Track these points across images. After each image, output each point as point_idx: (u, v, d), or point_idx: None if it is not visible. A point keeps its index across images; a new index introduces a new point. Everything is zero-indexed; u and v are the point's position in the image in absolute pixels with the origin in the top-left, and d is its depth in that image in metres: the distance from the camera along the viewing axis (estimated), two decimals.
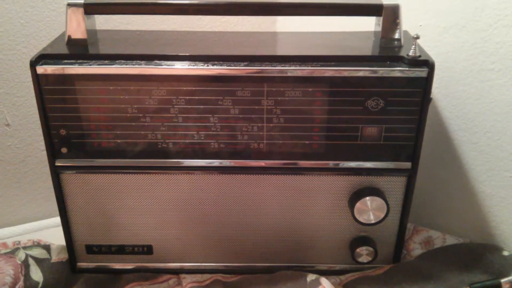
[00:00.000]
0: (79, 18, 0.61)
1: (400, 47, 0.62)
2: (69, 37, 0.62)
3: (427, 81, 0.58)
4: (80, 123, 0.60)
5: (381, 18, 0.61)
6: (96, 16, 0.65)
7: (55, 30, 0.76)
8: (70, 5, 0.61)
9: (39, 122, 0.60)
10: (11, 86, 0.77)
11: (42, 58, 0.59)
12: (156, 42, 0.66)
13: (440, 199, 0.76)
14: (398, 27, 0.62)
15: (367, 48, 0.63)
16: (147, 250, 0.69)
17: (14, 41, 0.75)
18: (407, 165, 0.63)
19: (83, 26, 0.62)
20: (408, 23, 0.68)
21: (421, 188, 0.64)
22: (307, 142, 0.61)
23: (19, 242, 0.71)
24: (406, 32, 0.66)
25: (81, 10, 0.61)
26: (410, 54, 0.58)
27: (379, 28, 0.63)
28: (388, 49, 0.61)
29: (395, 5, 0.60)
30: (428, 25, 0.70)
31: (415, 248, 0.73)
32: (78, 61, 0.58)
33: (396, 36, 0.63)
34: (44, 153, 0.63)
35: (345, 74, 0.57)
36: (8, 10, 0.73)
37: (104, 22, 0.77)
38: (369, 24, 0.66)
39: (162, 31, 0.68)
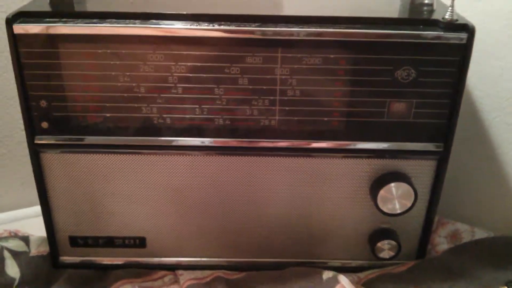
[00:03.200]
0: None
1: (432, 11, 0.55)
2: None
3: (466, 48, 0.51)
4: (63, 93, 0.53)
5: None
6: None
7: None
8: None
9: (17, 96, 0.53)
10: None
11: (21, 16, 0.51)
12: (154, 2, 0.58)
13: (468, 188, 0.70)
14: None
15: (394, 12, 0.56)
16: (140, 243, 0.63)
17: None
18: (439, 146, 0.56)
19: None
20: None
21: (447, 176, 0.58)
22: (325, 118, 0.55)
23: None
24: None
25: None
26: (446, 17, 0.51)
27: None
28: (419, 13, 0.55)
29: None
30: None
31: (441, 242, 0.67)
32: (63, 19, 0.51)
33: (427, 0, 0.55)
34: (24, 133, 0.56)
35: (373, 38, 0.51)
36: None
37: None
38: None
39: None
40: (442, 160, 0.57)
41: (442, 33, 0.51)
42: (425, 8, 0.55)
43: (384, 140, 0.56)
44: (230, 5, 0.58)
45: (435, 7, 0.55)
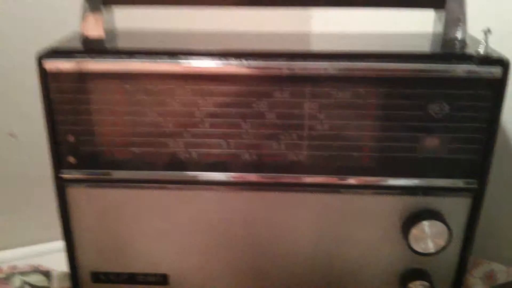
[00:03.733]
0: (96, 10, 0.55)
1: (464, 46, 0.54)
2: (83, 34, 0.55)
3: (501, 82, 0.50)
4: (91, 127, 0.53)
5: (442, 12, 0.53)
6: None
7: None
8: None
9: (44, 131, 0.53)
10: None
11: (52, 52, 0.51)
12: (182, 38, 0.59)
13: (504, 227, 0.67)
14: (462, 24, 0.54)
15: (426, 46, 0.55)
16: (162, 280, 0.61)
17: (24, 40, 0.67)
18: (473, 183, 0.54)
19: (100, 22, 0.55)
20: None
21: (482, 214, 0.56)
22: (355, 154, 0.53)
23: (16, 266, 0.66)
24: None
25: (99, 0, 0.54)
26: (479, 51, 0.50)
27: (438, 27, 0.55)
28: (452, 48, 0.54)
29: None
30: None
31: (475, 283, 0.64)
32: (93, 55, 0.51)
33: (459, 35, 0.54)
34: (50, 166, 0.56)
35: (404, 73, 0.49)
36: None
37: (122, 20, 0.70)
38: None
39: (188, 30, 0.61)
40: (477, 197, 0.54)
41: (476, 67, 0.49)
42: (457, 43, 0.54)
43: (416, 176, 0.54)
44: (258, 41, 0.58)
45: (468, 42, 0.54)
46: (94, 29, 0.55)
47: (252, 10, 0.57)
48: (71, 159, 0.54)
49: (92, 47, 0.53)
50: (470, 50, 0.52)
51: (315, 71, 0.50)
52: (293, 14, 0.77)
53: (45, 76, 0.51)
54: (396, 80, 0.50)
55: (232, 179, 0.55)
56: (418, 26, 0.58)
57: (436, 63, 0.49)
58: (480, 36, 0.55)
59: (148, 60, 0.50)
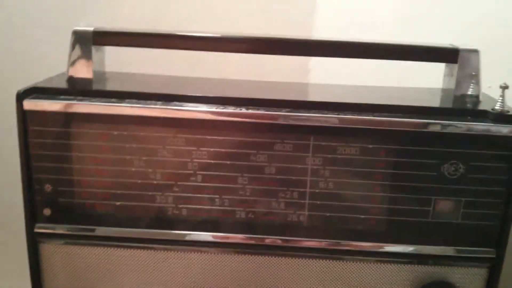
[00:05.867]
0: (86, 50, 0.51)
1: (477, 103, 0.51)
2: (69, 74, 0.52)
3: None
4: (71, 177, 0.49)
5: (455, 67, 0.50)
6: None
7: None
8: (76, 33, 0.50)
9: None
10: None
11: (33, 91, 0.48)
12: (177, 83, 0.56)
13: None
14: (476, 79, 0.51)
15: (437, 102, 0.52)
16: None
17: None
18: (490, 252, 0.50)
19: (89, 62, 0.52)
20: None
21: (500, 286, 0.50)
22: (361, 216, 0.49)
23: None
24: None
25: (89, 39, 0.50)
26: (496, 108, 0.47)
27: (450, 82, 0.52)
28: (464, 104, 0.51)
29: (474, 51, 0.50)
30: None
31: None
32: (78, 96, 0.47)
33: (472, 91, 0.51)
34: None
35: (417, 128, 0.46)
36: None
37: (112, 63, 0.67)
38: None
39: (184, 77, 0.58)
40: (494, 267, 0.50)
41: (493, 124, 0.46)
42: (470, 99, 0.51)
43: (428, 243, 0.49)
44: (258, 89, 0.55)
45: (481, 99, 0.51)
46: (82, 69, 0.52)
47: (250, 59, 0.54)
48: (47, 211, 0.50)
49: (78, 88, 0.50)
50: (483, 107, 0.49)
51: (320, 122, 0.46)
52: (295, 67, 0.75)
53: (24, 117, 0.47)
54: (407, 136, 0.46)
55: (224, 240, 0.50)
56: (423, 81, 0.56)
57: (451, 119, 0.46)
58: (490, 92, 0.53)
59: (138, 104, 0.47)
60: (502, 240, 0.49)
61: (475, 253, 0.49)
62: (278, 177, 0.48)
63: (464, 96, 0.52)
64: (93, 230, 0.50)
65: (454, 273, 0.50)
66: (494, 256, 0.49)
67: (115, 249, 0.51)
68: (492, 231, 0.49)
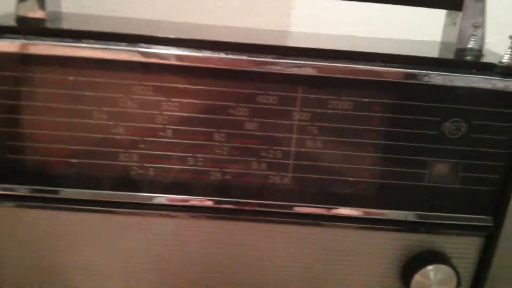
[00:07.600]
0: None
1: (480, 57, 0.47)
2: (18, 14, 0.46)
3: None
4: (20, 129, 0.44)
5: (459, 15, 0.46)
6: None
7: None
8: None
9: None
10: None
11: None
12: (144, 25, 0.50)
13: None
14: (480, 30, 0.47)
15: (440, 54, 0.48)
16: None
17: None
18: (487, 220, 0.47)
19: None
20: None
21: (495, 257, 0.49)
22: (351, 179, 0.45)
23: None
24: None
25: None
26: (504, 61, 0.43)
27: (451, 34, 0.49)
28: (468, 57, 0.47)
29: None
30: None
31: None
32: (28, 36, 0.42)
33: (474, 45, 0.47)
34: None
35: (419, 79, 0.42)
36: None
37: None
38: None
39: (154, 20, 0.52)
40: (490, 237, 0.48)
41: (500, 79, 0.42)
42: (472, 53, 0.47)
43: (421, 209, 0.47)
44: (238, 35, 0.50)
45: (484, 53, 0.47)
46: (34, 8, 0.46)
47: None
48: None
49: (28, 26, 0.44)
50: (490, 60, 0.45)
51: (310, 71, 0.41)
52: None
53: None
54: (405, 88, 0.43)
55: (196, 204, 0.47)
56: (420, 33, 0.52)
57: (455, 72, 0.42)
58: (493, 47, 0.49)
59: (99, 45, 0.41)
60: (501, 207, 0.46)
61: (470, 220, 0.47)
62: (260, 133, 0.44)
63: (466, 49, 0.48)
64: (47, 192, 0.46)
65: (447, 243, 0.48)
66: (491, 224, 0.47)
67: (74, 213, 0.47)
68: (491, 197, 0.46)
